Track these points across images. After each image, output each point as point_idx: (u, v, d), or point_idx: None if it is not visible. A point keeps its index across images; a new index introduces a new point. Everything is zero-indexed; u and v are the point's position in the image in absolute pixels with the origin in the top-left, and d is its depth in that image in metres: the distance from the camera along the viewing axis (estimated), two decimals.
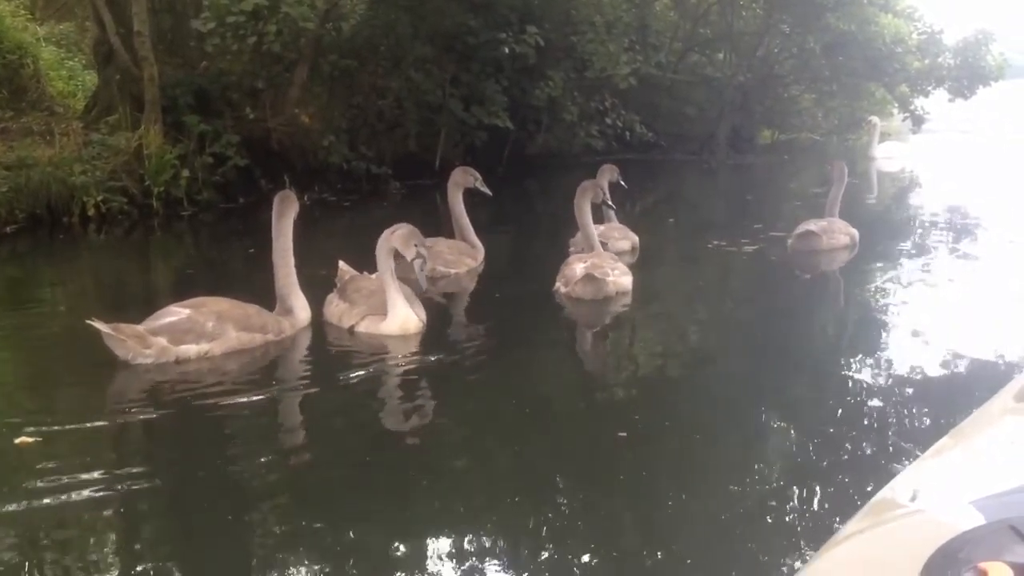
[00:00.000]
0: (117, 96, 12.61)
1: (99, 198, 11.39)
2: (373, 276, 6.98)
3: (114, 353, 5.94)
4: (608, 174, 9.99)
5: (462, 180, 9.42)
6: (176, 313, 6.06)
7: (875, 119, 19.66)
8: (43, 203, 11.20)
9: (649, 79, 18.39)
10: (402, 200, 13.82)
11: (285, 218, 6.74)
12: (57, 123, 12.56)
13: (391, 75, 15.14)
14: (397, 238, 6.70)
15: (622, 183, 10.27)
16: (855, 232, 9.89)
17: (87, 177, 11.38)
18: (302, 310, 6.77)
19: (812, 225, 9.65)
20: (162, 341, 5.92)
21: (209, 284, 8.12)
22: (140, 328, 5.91)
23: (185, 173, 12.05)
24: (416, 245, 6.69)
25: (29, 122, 12.46)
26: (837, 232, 9.74)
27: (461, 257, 9.00)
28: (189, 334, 6.00)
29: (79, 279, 10.01)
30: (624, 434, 4.98)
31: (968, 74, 20.06)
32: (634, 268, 8.46)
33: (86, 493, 4.21)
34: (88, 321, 5.78)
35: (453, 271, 8.79)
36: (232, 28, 12.49)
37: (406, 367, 6.10)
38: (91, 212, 11.38)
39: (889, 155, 19.79)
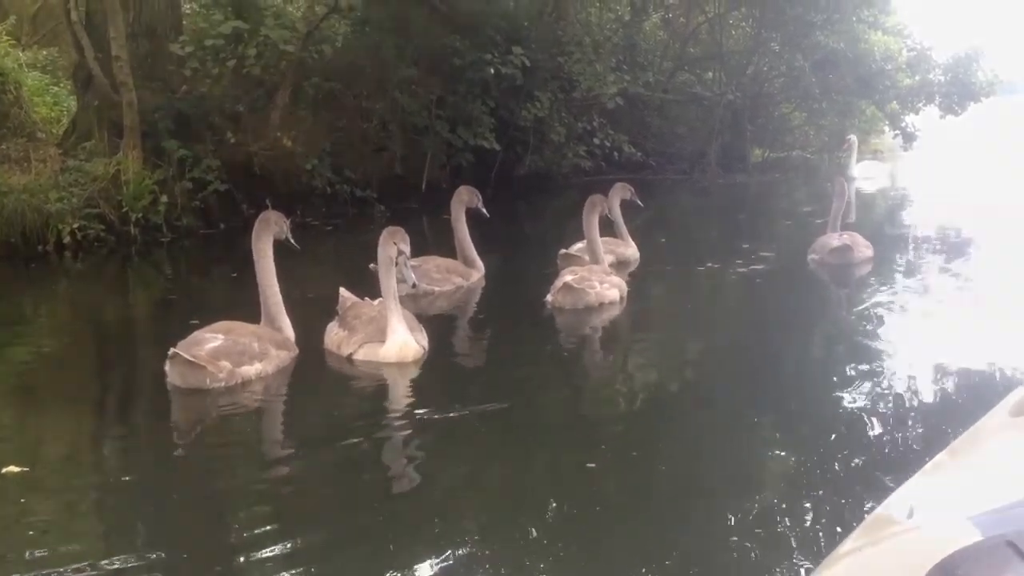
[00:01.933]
0: (95, 121, 12.42)
1: (75, 225, 11.19)
2: (376, 302, 6.91)
3: (181, 382, 5.85)
4: (621, 192, 10.17)
5: (467, 198, 9.47)
6: (214, 338, 6.00)
7: (853, 137, 19.49)
8: (17, 231, 11.00)
9: (638, 98, 18.27)
10: (387, 223, 13.54)
11: (264, 239, 6.68)
12: (36, 149, 12.34)
13: (376, 97, 14.98)
14: (382, 243, 6.67)
15: (638, 201, 10.36)
16: (870, 245, 9.99)
17: (63, 204, 11.19)
18: (290, 329, 6.74)
19: (839, 240, 9.68)
20: (227, 365, 5.90)
21: (191, 311, 8.00)
22: (204, 354, 5.86)
23: (164, 199, 11.86)
24: (396, 243, 6.64)
25: (7, 149, 12.25)
26: (861, 246, 9.84)
27: (449, 276, 9.05)
28: (244, 355, 6.02)
29: (56, 308, 9.80)
30: (592, 464, 4.84)
31: (959, 91, 20.00)
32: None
33: (70, 518, 4.14)
34: (173, 350, 5.72)
35: (437, 289, 8.71)
36: (211, 51, 12.33)
37: (400, 398, 6.00)
38: (67, 240, 11.17)
39: (868, 175, 19.70)
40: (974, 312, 8.14)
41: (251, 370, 6.02)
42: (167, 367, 5.91)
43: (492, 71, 15.29)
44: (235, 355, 5.95)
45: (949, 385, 6.15)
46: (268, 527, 4.11)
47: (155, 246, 11.86)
